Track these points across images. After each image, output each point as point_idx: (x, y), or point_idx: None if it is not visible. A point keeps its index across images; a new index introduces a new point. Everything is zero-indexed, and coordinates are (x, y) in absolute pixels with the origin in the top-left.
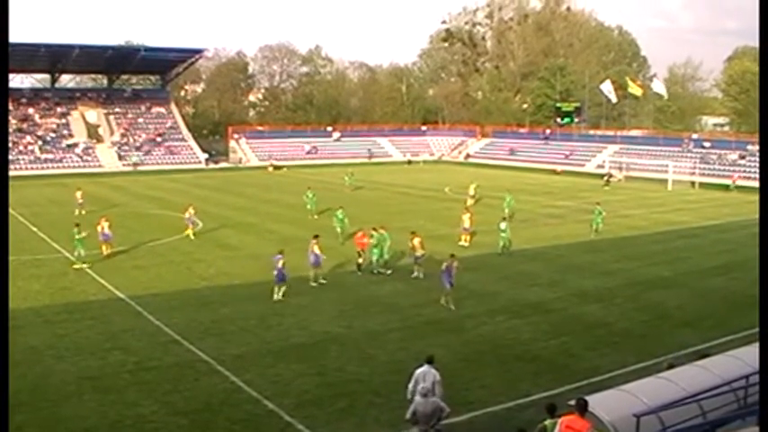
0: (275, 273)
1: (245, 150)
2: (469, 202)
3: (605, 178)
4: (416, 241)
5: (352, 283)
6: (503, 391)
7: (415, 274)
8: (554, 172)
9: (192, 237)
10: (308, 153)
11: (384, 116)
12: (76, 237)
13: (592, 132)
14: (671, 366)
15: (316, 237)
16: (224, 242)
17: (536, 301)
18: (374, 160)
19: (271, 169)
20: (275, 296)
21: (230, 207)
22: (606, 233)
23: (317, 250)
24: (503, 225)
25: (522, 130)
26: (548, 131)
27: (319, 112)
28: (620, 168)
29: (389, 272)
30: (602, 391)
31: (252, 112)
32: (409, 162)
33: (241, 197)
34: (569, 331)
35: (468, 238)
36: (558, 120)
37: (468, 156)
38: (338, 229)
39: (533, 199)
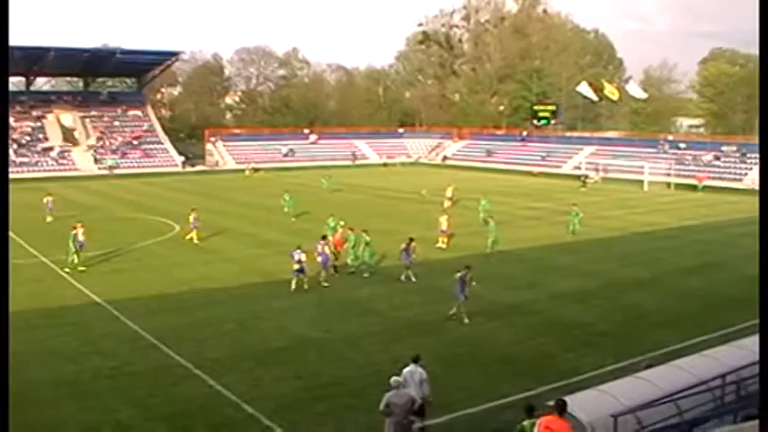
0: (296, 266)
1: (221, 153)
2: (447, 204)
3: (582, 179)
4: (413, 245)
5: (331, 286)
6: (481, 392)
7: (403, 276)
8: (531, 174)
9: (197, 241)
10: (286, 156)
11: (361, 119)
12: (72, 242)
13: (568, 134)
14: (648, 366)
15: (324, 237)
16: (202, 246)
17: (514, 303)
18: (351, 163)
19: (248, 173)
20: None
21: (208, 210)
22: (584, 234)
23: (326, 251)
24: (492, 224)
25: (498, 132)
26: (524, 133)
27: (296, 115)
28: (597, 170)
29: (366, 274)
30: (581, 391)
31: (228, 115)
32: (385, 165)
33: (218, 200)
34: (548, 332)
35: (446, 240)
36: (535, 122)
37: (445, 158)
38: (330, 237)
39: (511, 201)
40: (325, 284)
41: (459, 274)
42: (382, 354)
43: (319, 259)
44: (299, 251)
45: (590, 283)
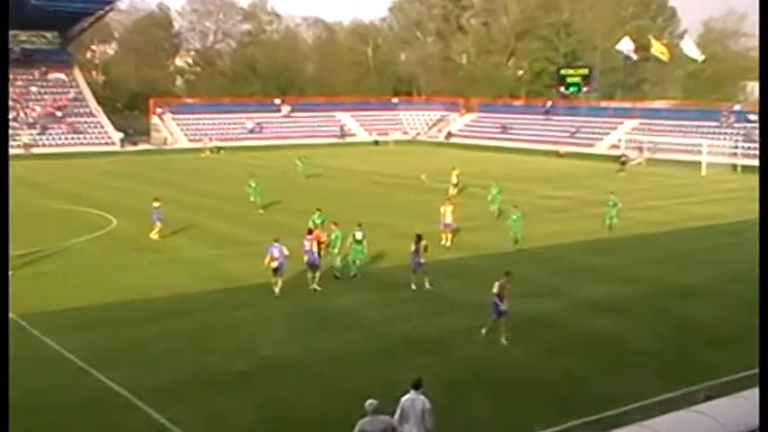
0: (274, 264)
1: (170, 128)
2: (451, 191)
3: (621, 161)
4: (423, 245)
5: (308, 292)
6: (496, 425)
7: (414, 286)
8: (557, 154)
9: (157, 237)
10: (251, 132)
11: (345, 86)
12: None
13: (604, 105)
14: (709, 398)
15: (310, 232)
16: (147, 244)
17: (535, 314)
18: (334, 141)
19: (208, 153)
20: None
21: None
22: (622, 230)
23: (314, 248)
24: (514, 215)
25: (516, 103)
26: (549, 104)
27: (264, 81)
28: (640, 149)
29: (353, 273)
30: (621, 427)
31: (179, 81)
32: (376, 143)
33: (168, 187)
34: (576, 351)
35: (450, 236)
36: (562, 89)
37: (449, 135)
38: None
39: (530, 188)
40: (317, 288)
41: (497, 286)
42: (372, 378)
43: (306, 258)
44: (277, 245)
45: (629, 290)
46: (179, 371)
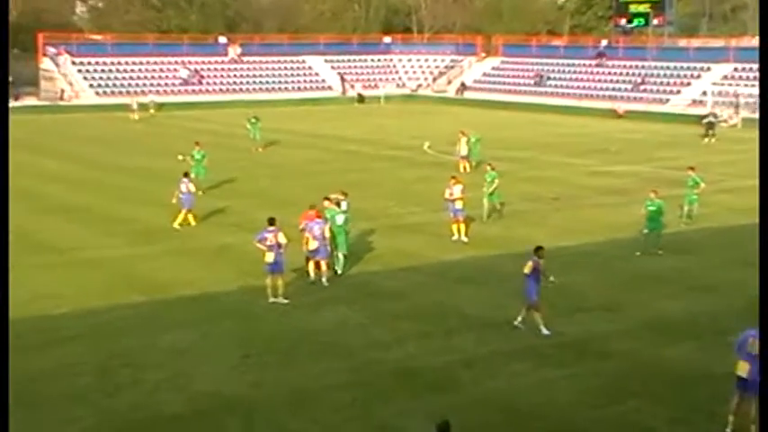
0: (269, 258)
1: (69, 77)
2: (463, 166)
3: (708, 123)
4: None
5: (268, 307)
6: None
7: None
8: (614, 113)
9: (178, 225)
10: (187, 82)
11: (318, 20)
12: None
13: (683, 44)
14: None
15: (271, 222)
16: (39, 240)
17: (582, 338)
18: (301, 96)
19: (136, 116)
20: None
21: (48, 179)
22: (706, 219)
23: (281, 239)
24: (650, 204)
25: (556, 43)
26: (603, 44)
27: (205, 12)
28: (735, 106)
29: (338, 269)
30: None
31: (80, 8)
32: (360, 99)
33: (68, 161)
34: (642, 390)
35: (464, 228)
36: (623, 22)
37: (463, 87)
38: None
39: (575, 161)
40: (283, 300)
41: (530, 264)
42: (357, 424)
43: (268, 258)
44: (272, 230)
45: (716, 304)
46: (83, 417)
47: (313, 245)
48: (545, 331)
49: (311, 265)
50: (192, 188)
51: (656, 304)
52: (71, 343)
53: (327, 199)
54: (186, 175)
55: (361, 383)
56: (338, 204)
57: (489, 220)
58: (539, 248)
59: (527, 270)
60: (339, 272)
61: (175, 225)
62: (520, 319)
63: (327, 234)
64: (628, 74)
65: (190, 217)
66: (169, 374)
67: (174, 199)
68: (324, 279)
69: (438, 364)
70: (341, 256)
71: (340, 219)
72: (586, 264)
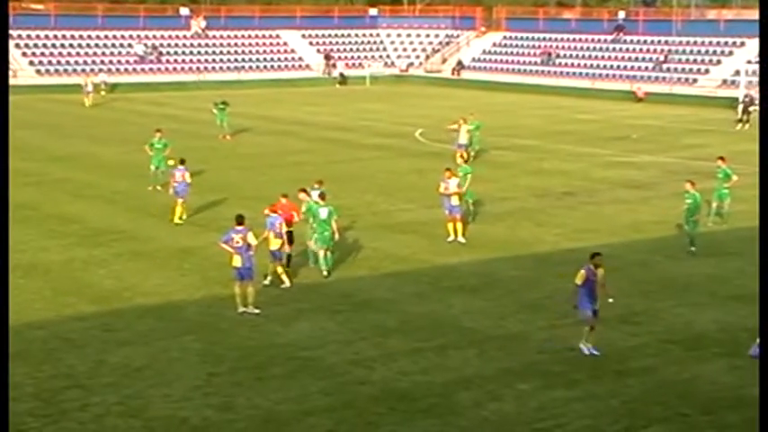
0: (236, 261)
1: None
2: (460, 159)
3: (742, 107)
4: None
5: (237, 319)
6: None
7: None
8: (633, 96)
9: (179, 220)
10: (144, 59)
11: None
12: None
13: (713, 16)
14: None
15: (240, 222)
16: None
17: (605, 353)
18: (274, 76)
19: (89, 99)
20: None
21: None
22: (738, 218)
23: (251, 240)
24: (689, 196)
25: (567, 16)
26: (621, 16)
27: None
28: None
29: (324, 270)
30: None
31: None
32: (343, 80)
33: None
34: (666, 415)
35: (461, 228)
36: None
37: (460, 67)
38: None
39: (589, 151)
40: (250, 310)
41: (582, 273)
42: None
43: (236, 262)
44: (240, 230)
45: (749, 316)
46: None
47: (275, 244)
48: (585, 350)
49: (279, 269)
50: (188, 177)
51: (683, 315)
52: (12, 361)
53: (303, 191)
54: (183, 162)
55: (343, 406)
56: (322, 197)
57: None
58: (595, 255)
59: (579, 280)
60: (326, 273)
61: (176, 220)
62: (586, 343)
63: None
64: (649, 51)
65: (179, 208)
66: (121, 397)
67: (171, 189)
68: (268, 280)
69: (432, 384)
70: (328, 254)
71: (323, 212)
72: (605, 266)
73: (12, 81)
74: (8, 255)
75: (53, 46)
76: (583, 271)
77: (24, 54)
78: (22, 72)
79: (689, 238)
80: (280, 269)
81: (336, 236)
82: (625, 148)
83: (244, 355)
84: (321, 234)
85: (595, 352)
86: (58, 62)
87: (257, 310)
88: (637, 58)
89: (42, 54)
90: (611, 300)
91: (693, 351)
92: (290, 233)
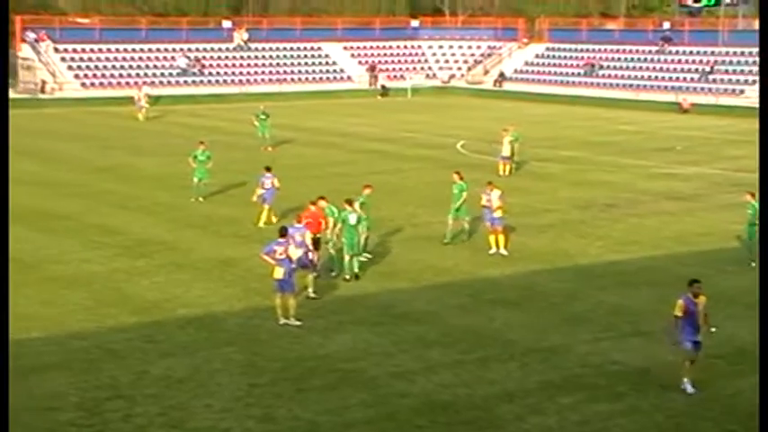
0: (278, 273)
1: (52, 65)
2: (503, 167)
3: None
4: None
5: (273, 329)
6: None
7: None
8: (678, 107)
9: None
10: (186, 72)
11: (335, 0)
12: None
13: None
14: None
15: (283, 234)
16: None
17: (641, 366)
18: (316, 88)
19: (142, 113)
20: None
21: (23, 182)
22: None
23: (293, 252)
24: (750, 208)
25: (611, 26)
26: (666, 26)
27: None
28: None
29: (347, 275)
30: None
31: None
32: (384, 91)
33: (48, 162)
34: (714, 430)
35: (503, 240)
36: (690, 2)
37: (502, 78)
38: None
39: (633, 162)
40: (292, 322)
41: (680, 303)
42: None
43: (277, 273)
44: (282, 242)
45: None
46: None
47: (297, 253)
48: (689, 388)
49: (310, 277)
50: (277, 183)
51: (730, 329)
52: (50, 372)
53: (323, 198)
54: (269, 169)
55: (384, 419)
56: (349, 203)
57: (455, 242)
58: (694, 282)
59: (678, 312)
60: (348, 278)
61: (260, 224)
62: (687, 382)
63: (309, 241)
64: (695, 62)
65: (272, 215)
66: (164, 408)
67: (255, 196)
68: (310, 290)
69: (473, 396)
70: (354, 260)
71: (353, 218)
72: (646, 281)
73: (57, 94)
74: (8, 259)
75: (98, 59)
76: (681, 301)
77: (70, 67)
78: (67, 85)
79: (749, 250)
80: (310, 277)
81: (362, 243)
82: (669, 160)
83: (284, 367)
84: (349, 240)
85: (692, 389)
86: (103, 75)
87: (298, 322)
88: (682, 69)
89: (87, 67)
90: (713, 329)
91: (738, 365)
92: (317, 240)
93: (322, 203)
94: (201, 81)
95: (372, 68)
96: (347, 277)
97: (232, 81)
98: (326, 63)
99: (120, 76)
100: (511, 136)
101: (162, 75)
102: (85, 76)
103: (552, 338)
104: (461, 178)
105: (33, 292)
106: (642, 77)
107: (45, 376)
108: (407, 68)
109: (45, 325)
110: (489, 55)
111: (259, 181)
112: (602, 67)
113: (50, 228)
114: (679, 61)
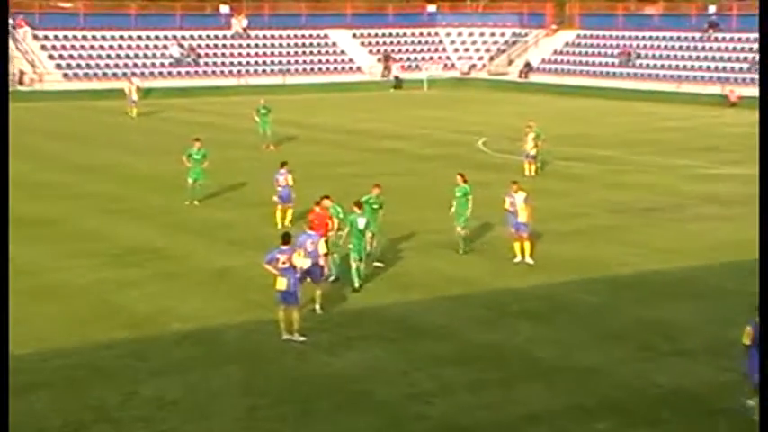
0: (281, 284)
1: (31, 54)
2: (529, 167)
3: None
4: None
5: (276, 346)
6: None
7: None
8: (726, 100)
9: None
10: (179, 63)
11: None
12: None
13: None
14: None
15: (285, 241)
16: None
17: (681, 388)
18: (322, 80)
19: (134, 111)
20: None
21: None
22: None
23: (320, 250)
24: None
25: (650, 11)
26: (711, 10)
27: None
28: None
29: (357, 283)
30: None
31: None
32: (398, 83)
33: (27, 161)
34: None
35: (528, 247)
36: None
37: (528, 69)
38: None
39: (674, 162)
40: (296, 338)
41: (747, 330)
42: None
43: (280, 284)
44: (286, 250)
45: None
46: None
47: (305, 263)
48: (750, 403)
49: (318, 291)
50: (290, 180)
51: None
52: (30, 393)
53: (327, 197)
54: (284, 164)
55: None
56: (358, 206)
57: (472, 250)
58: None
59: (747, 340)
60: (357, 286)
61: (287, 223)
62: (751, 403)
63: (322, 250)
64: (744, 50)
65: (289, 213)
66: (153, 430)
67: (275, 196)
68: (317, 306)
69: (496, 420)
70: (361, 266)
71: (361, 222)
72: (688, 293)
73: (37, 86)
74: (8, 258)
75: (82, 48)
76: (749, 328)
77: (51, 57)
78: (48, 76)
79: None
80: (319, 291)
81: (368, 248)
82: (715, 159)
83: (288, 387)
84: (357, 246)
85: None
86: (88, 66)
87: (303, 338)
88: (729, 58)
89: (71, 57)
90: None
91: None
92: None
93: (326, 203)
94: (196, 72)
95: (387, 57)
96: (356, 287)
97: (230, 72)
98: (334, 52)
99: (107, 66)
100: (534, 132)
101: (153, 65)
102: (68, 66)
103: (582, 357)
104: (465, 181)
105: (32, 305)
106: (685, 67)
107: (25, 397)
108: (423, 58)
109: (24, 341)
110: (514, 43)
111: (274, 178)
112: (639, 57)
113: (30, 235)
114: (726, 49)
